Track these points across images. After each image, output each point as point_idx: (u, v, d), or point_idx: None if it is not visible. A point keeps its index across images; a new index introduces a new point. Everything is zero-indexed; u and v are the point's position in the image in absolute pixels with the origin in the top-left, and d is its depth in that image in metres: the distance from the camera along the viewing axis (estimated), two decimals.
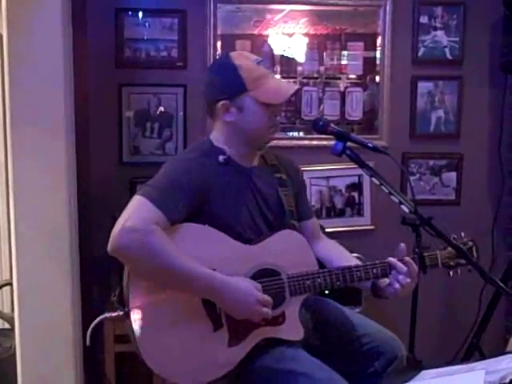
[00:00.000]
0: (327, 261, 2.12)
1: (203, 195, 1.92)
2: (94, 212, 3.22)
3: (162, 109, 3.31)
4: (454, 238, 2.07)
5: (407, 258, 1.99)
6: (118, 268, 3.10)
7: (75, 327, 2.66)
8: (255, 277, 1.95)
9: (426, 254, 2.04)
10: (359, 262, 2.08)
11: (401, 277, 1.97)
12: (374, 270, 2.00)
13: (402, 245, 2.04)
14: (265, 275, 1.94)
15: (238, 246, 1.94)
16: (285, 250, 1.99)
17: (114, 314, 1.88)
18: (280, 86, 2.07)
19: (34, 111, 2.53)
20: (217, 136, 2.06)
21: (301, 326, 1.98)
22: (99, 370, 3.06)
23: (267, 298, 1.89)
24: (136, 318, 1.83)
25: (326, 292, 2.15)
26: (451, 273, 2.09)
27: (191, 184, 1.89)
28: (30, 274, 2.56)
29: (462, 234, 2.10)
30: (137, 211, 1.81)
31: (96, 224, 3.21)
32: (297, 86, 2.13)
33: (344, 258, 2.15)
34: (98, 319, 1.94)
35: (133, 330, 1.83)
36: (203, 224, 1.91)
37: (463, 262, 2.05)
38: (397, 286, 1.98)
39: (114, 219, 3.11)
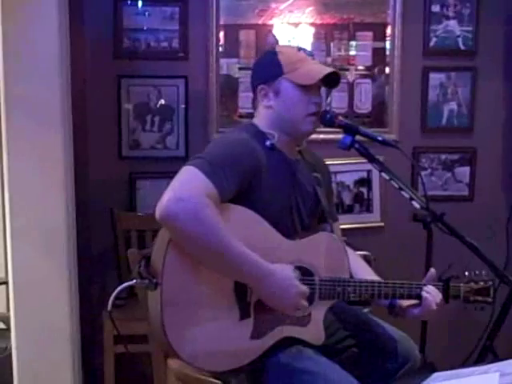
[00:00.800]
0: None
1: (253, 177, 1.91)
2: (92, 208, 3.20)
3: (162, 101, 3.27)
4: (475, 274, 2.10)
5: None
6: (117, 265, 3.10)
7: (73, 327, 2.64)
8: None
9: (451, 283, 2.07)
10: (379, 278, 2.10)
11: (429, 303, 1.99)
12: (401, 290, 2.02)
13: (433, 270, 2.07)
14: (300, 273, 1.93)
15: (280, 238, 1.94)
16: (323, 252, 2.00)
17: (143, 282, 1.82)
18: (315, 68, 2.07)
19: (29, 104, 2.52)
20: (260, 121, 2.06)
21: (323, 331, 1.99)
22: (98, 371, 3.04)
23: (307, 289, 1.89)
24: (166, 290, 1.79)
25: None
26: (467, 307, 2.12)
27: (244, 164, 1.88)
28: (26, 273, 2.55)
29: (483, 273, 2.10)
30: (189, 181, 1.77)
31: (95, 220, 3.18)
32: (333, 69, 2.09)
33: (366, 271, 2.18)
34: (125, 285, 1.87)
35: (160, 302, 1.79)
36: (246, 206, 1.89)
37: (480, 299, 2.09)
38: (422, 310, 2.00)
39: (113, 215, 3.14)
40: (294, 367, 1.87)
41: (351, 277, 2.05)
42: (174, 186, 1.75)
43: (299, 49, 2.10)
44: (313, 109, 2.01)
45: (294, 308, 1.87)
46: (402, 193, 1.92)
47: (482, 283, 2.09)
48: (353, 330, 2.10)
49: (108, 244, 3.18)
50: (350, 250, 2.23)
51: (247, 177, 1.88)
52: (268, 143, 2.00)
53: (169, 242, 1.80)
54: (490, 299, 2.10)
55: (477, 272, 2.10)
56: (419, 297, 2.01)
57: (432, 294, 2.00)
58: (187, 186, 1.75)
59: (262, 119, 2.06)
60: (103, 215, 3.15)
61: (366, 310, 2.43)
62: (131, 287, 1.88)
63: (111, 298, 1.86)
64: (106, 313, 1.86)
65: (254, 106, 2.11)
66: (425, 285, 2.02)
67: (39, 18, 2.49)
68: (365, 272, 2.15)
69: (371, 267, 2.26)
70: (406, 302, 2.05)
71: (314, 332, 1.97)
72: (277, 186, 1.97)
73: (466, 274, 2.10)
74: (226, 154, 1.87)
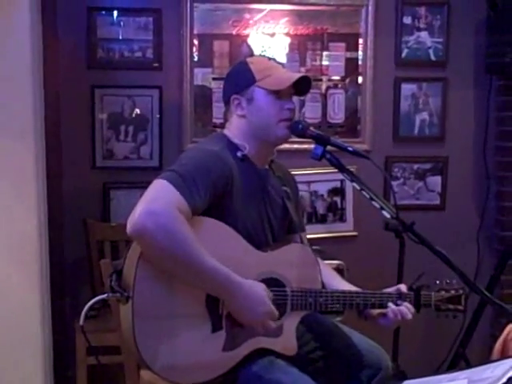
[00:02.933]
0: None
1: (225, 190, 1.90)
2: (65, 218, 3.17)
3: (136, 111, 3.26)
4: (446, 283, 2.12)
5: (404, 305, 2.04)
6: (90, 275, 3.08)
7: (45, 338, 2.61)
8: None
9: (422, 292, 2.08)
10: (352, 287, 2.11)
11: (399, 310, 2.01)
12: (373, 300, 2.03)
13: (402, 286, 2.10)
14: (271, 284, 1.93)
15: (251, 249, 1.94)
16: (295, 263, 2.00)
17: (115, 295, 1.82)
18: (286, 73, 2.09)
19: (1, 115, 2.48)
20: (232, 132, 2.05)
21: (296, 341, 1.98)
22: (70, 382, 3.00)
23: (275, 311, 1.88)
24: (137, 303, 1.78)
25: None
26: (439, 315, 2.14)
27: (216, 177, 1.87)
28: None
29: (454, 281, 2.11)
30: (161, 195, 1.76)
31: (68, 230, 3.15)
32: (304, 74, 2.10)
33: (337, 281, 2.17)
34: (96, 299, 1.87)
35: (131, 316, 1.78)
36: (217, 219, 1.89)
37: (452, 307, 2.11)
38: (393, 318, 2.01)
39: (86, 225, 3.12)
40: (266, 378, 1.86)
41: (323, 287, 2.05)
42: (145, 200, 1.74)
43: (269, 58, 2.11)
44: (286, 114, 2.01)
45: (261, 326, 1.87)
46: (373, 203, 1.91)
47: (452, 291, 2.11)
48: (324, 341, 2.10)
49: (81, 254, 3.15)
50: (320, 260, 2.22)
51: (219, 189, 1.87)
52: (239, 154, 2.00)
53: (140, 254, 1.79)
54: (461, 307, 2.11)
55: (448, 281, 2.11)
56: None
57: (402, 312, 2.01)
58: (158, 200, 1.74)
59: (234, 129, 2.05)
60: (76, 225, 3.13)
61: (338, 319, 2.45)
62: (104, 299, 1.88)
63: (83, 313, 1.86)
64: (78, 325, 1.85)
65: (226, 118, 2.10)
66: (398, 297, 2.03)
67: (12, 28, 2.46)
68: (336, 282, 2.15)
69: (344, 276, 2.28)
70: (375, 311, 2.05)
71: (287, 343, 1.96)
72: (248, 197, 1.97)
73: (437, 282, 2.12)
74: (198, 167, 1.85)
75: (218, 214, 1.88)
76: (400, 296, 2.04)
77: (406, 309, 2.02)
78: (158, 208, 1.72)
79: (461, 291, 2.11)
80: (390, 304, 2.02)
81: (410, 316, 2.01)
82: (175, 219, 1.72)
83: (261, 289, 1.87)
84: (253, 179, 2.01)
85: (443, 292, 2.10)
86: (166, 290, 1.81)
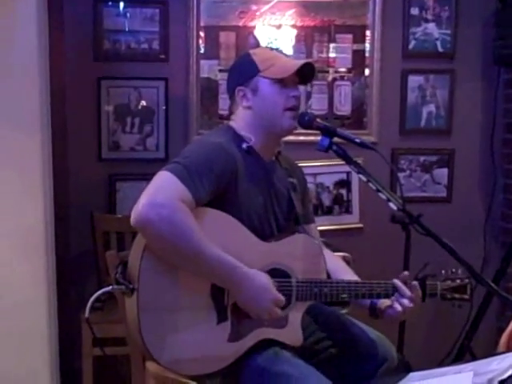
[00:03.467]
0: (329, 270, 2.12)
1: (229, 182, 1.90)
2: (72, 210, 3.18)
3: (142, 103, 3.26)
4: (451, 272, 2.11)
5: (414, 283, 2.02)
6: (96, 266, 3.09)
7: (51, 330, 2.61)
8: None
9: (428, 282, 2.07)
10: (358, 279, 2.10)
11: (405, 301, 2.00)
12: (378, 289, 2.02)
13: (406, 273, 2.06)
14: (276, 275, 1.93)
15: (256, 240, 1.94)
16: (299, 254, 2.00)
17: (120, 288, 1.82)
18: (290, 62, 2.08)
19: (6, 107, 2.48)
20: (238, 124, 2.05)
21: (301, 332, 1.99)
22: (77, 373, 3.01)
23: (282, 298, 1.89)
24: (142, 296, 1.78)
25: None
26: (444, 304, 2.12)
27: (220, 169, 1.87)
28: (4, 275, 2.51)
29: (459, 271, 2.11)
30: (165, 186, 1.77)
31: (74, 222, 3.15)
32: (307, 61, 2.10)
33: (344, 271, 2.17)
34: (102, 291, 1.88)
35: (137, 309, 1.78)
36: (222, 210, 1.89)
37: (458, 296, 2.10)
38: (399, 309, 2.00)
39: (92, 217, 3.12)
40: (271, 370, 1.87)
41: (328, 277, 2.05)
42: (149, 192, 1.74)
43: (272, 49, 2.10)
44: (292, 102, 2.01)
45: (267, 314, 1.87)
46: (380, 194, 1.91)
47: (458, 281, 2.10)
48: (330, 331, 2.10)
49: (87, 246, 3.16)
50: (328, 251, 2.24)
51: (223, 181, 1.87)
52: (244, 146, 1.99)
53: (145, 247, 1.79)
54: (467, 296, 2.11)
55: (453, 270, 2.11)
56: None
57: (402, 290, 1.99)
58: (162, 192, 1.75)
59: (239, 121, 2.05)
60: (82, 217, 3.13)
61: (343, 311, 2.44)
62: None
63: (88, 305, 1.86)
64: (84, 317, 1.86)
65: (231, 111, 2.10)
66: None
67: (18, 20, 2.45)
68: (343, 272, 2.15)
69: (350, 268, 2.27)
70: (384, 304, 2.05)
71: (292, 334, 1.97)
72: (253, 189, 1.97)
73: (443, 272, 2.11)
74: (202, 160, 1.85)
75: (223, 205, 1.88)
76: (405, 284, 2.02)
77: (408, 299, 2.00)
78: (162, 199, 1.72)
79: (466, 280, 2.11)
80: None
81: (413, 303, 1.99)
82: (179, 210, 1.73)
83: (264, 277, 1.87)
84: (258, 171, 2.01)
85: (449, 281, 2.09)
86: (171, 282, 1.81)
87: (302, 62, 2.03)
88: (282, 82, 1.99)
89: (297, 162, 2.27)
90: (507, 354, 1.49)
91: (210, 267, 1.79)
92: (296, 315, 1.97)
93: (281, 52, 2.17)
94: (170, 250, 1.76)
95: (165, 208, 1.71)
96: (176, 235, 1.73)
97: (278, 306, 1.88)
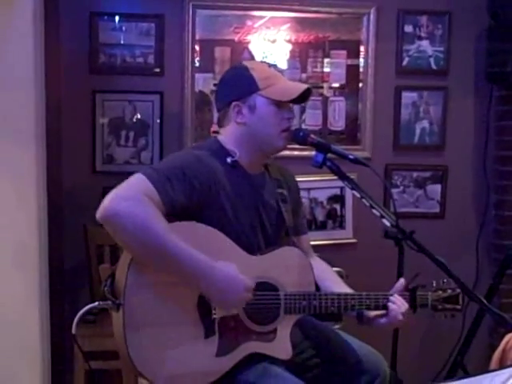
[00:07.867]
0: (319, 280, 2.10)
1: (207, 194, 1.90)
2: (65, 222, 3.16)
3: (137, 116, 3.27)
4: (442, 283, 2.10)
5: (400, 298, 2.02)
6: (89, 280, 3.07)
7: (43, 345, 2.60)
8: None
9: (418, 293, 2.06)
10: (349, 289, 2.08)
11: (395, 313, 1.99)
12: (368, 301, 2.01)
13: (402, 280, 2.07)
14: (263, 288, 1.92)
15: (243, 254, 1.93)
16: (287, 266, 1.99)
17: (106, 303, 1.82)
18: (291, 84, 2.11)
19: (1, 119, 2.48)
20: (227, 138, 2.04)
21: (290, 345, 1.96)
22: None
23: (249, 281, 1.86)
24: (128, 311, 1.78)
25: None
26: (436, 316, 2.11)
27: (194, 175, 1.87)
28: None
29: (451, 281, 2.07)
30: (131, 183, 1.80)
31: (68, 235, 3.14)
32: (307, 86, 2.09)
33: (335, 282, 2.16)
34: (88, 307, 1.88)
35: (123, 324, 1.78)
36: (208, 224, 1.89)
37: (449, 307, 2.09)
38: (388, 320, 2.00)
39: (86, 229, 3.11)
40: None
41: (318, 290, 2.04)
42: (118, 189, 1.78)
43: (269, 65, 2.11)
44: (287, 124, 2.01)
45: (240, 303, 1.86)
46: (373, 211, 1.91)
47: (449, 291, 2.10)
48: (322, 347, 2.09)
49: (80, 259, 3.14)
50: (322, 262, 2.23)
51: (197, 192, 1.86)
52: (229, 160, 1.99)
53: (130, 261, 1.79)
54: (458, 306, 2.10)
55: (445, 280, 2.10)
56: (386, 307, 2.00)
57: (398, 303, 1.99)
58: (127, 188, 1.78)
59: (228, 135, 2.03)
60: (76, 230, 3.12)
61: (336, 326, 2.44)
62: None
63: (75, 322, 1.86)
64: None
65: (220, 123, 2.08)
66: (391, 295, 2.01)
67: (14, 34, 2.47)
68: (334, 284, 2.13)
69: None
70: (373, 312, 2.04)
71: (281, 347, 1.95)
72: (239, 202, 1.97)
73: (434, 282, 2.10)
74: (176, 164, 1.87)
75: (209, 219, 1.88)
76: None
77: (399, 303, 2.00)
78: (125, 193, 1.76)
79: (458, 290, 2.09)
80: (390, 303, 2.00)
81: (402, 311, 1.98)
82: (141, 202, 1.74)
83: (233, 267, 1.85)
84: (243, 184, 2.00)
85: (440, 292, 2.09)
86: (157, 297, 1.80)
87: (304, 87, 2.04)
88: (279, 103, 1.99)
89: None
90: (500, 371, 1.49)
91: (175, 259, 1.77)
92: (284, 328, 1.95)
93: (275, 67, 2.16)
94: (134, 244, 1.76)
95: (127, 200, 1.74)
96: (137, 227, 1.73)
97: (248, 291, 1.86)
